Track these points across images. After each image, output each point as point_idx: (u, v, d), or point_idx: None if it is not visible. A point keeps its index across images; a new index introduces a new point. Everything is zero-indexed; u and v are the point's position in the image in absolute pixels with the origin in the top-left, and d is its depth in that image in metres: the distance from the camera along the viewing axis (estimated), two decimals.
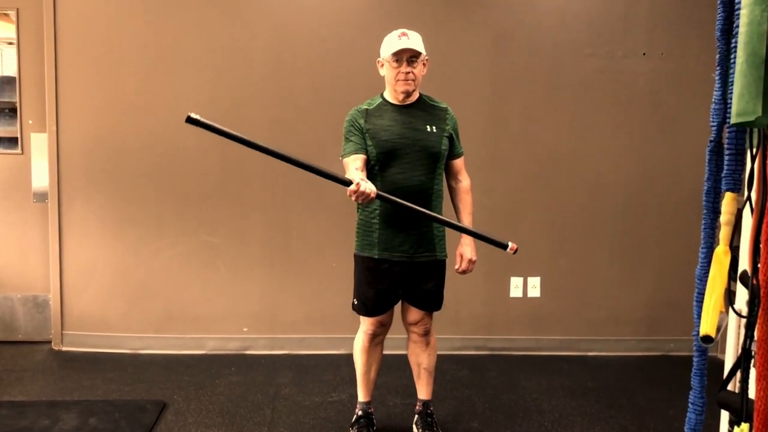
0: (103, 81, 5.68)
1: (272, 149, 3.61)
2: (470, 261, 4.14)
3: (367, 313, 4.15)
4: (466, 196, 4.21)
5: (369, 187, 3.58)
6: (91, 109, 5.70)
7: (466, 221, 4.16)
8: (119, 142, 5.72)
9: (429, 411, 4.38)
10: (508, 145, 5.89)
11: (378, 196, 3.65)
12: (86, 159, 5.73)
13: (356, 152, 3.94)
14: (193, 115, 3.36)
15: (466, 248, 4.13)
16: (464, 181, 4.21)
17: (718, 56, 2.06)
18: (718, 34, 2.03)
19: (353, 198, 3.60)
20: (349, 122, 4.04)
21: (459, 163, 4.19)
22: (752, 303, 1.77)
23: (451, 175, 4.21)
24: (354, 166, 3.87)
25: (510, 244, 3.95)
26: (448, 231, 4.15)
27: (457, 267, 4.15)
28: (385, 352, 4.38)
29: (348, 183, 3.60)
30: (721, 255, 1.95)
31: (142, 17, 5.65)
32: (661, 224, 5.99)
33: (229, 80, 5.71)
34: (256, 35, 5.70)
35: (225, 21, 5.69)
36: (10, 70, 5.82)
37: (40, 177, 5.83)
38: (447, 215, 4.10)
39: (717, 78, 2.06)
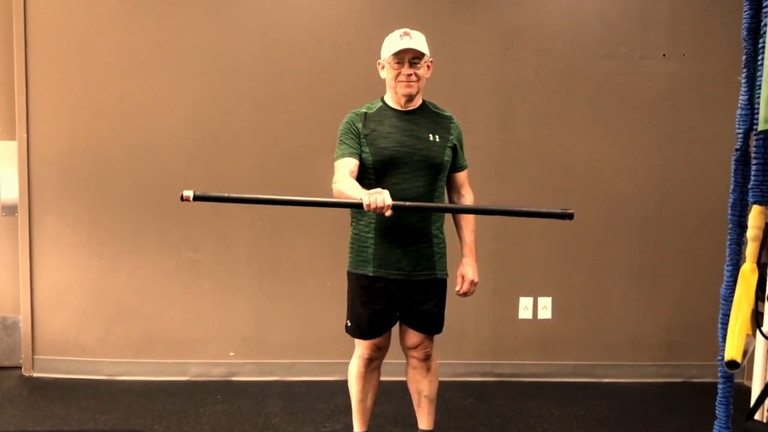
0: (78, 85, 5.67)
1: (283, 199, 3.70)
2: (472, 282, 4.10)
3: (362, 336, 4.11)
4: None
5: (380, 198, 3.48)
6: (64, 116, 5.69)
7: (468, 239, 4.13)
8: (95, 151, 5.70)
9: None
10: (516, 154, 5.88)
11: (394, 207, 3.53)
12: (59, 169, 5.71)
13: (349, 156, 3.90)
14: (187, 193, 3.54)
15: (468, 268, 4.10)
16: (467, 196, 4.19)
17: (744, 57, 2.05)
18: (745, 33, 2.02)
19: (366, 203, 3.49)
20: (345, 125, 4.00)
21: (462, 176, 4.17)
22: None
23: (454, 189, 4.19)
24: (344, 171, 3.84)
25: (568, 211, 3.64)
26: (449, 248, 4.14)
27: (457, 289, 4.12)
28: (383, 378, 4.35)
29: (359, 204, 3.54)
30: (747, 273, 1.94)
31: (120, 17, 5.64)
32: (683, 239, 5.97)
33: (215, 84, 5.71)
34: (244, 35, 5.69)
35: (210, 20, 5.68)
36: None
37: (9, 188, 5.81)
38: (448, 232, 4.09)
39: (743, 81, 2.05)
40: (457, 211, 3.99)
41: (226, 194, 3.75)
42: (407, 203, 3.67)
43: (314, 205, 3.64)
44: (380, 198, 3.46)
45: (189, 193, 3.52)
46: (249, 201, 3.88)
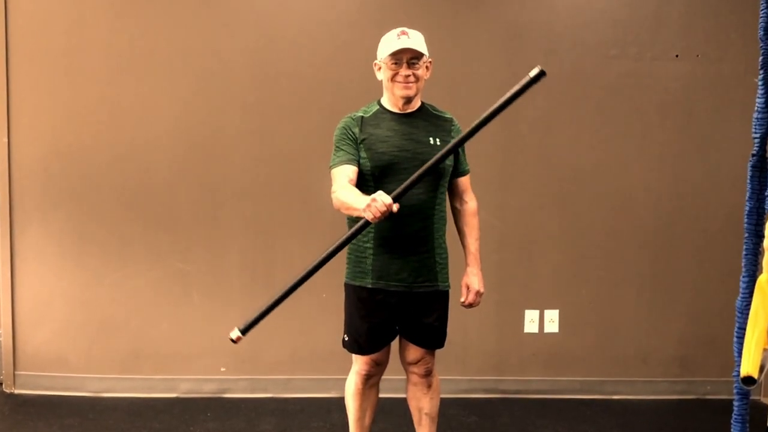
0: (62, 87, 5.67)
1: (306, 274, 3.75)
2: (477, 293, 4.10)
3: (360, 351, 4.11)
4: (472, 219, 4.19)
5: (379, 203, 3.47)
6: (48, 120, 5.68)
7: (473, 248, 4.13)
8: (80, 156, 5.69)
9: None
10: (522, 160, 5.88)
11: (395, 199, 3.54)
12: (43, 175, 5.70)
13: (347, 162, 3.89)
14: (235, 335, 3.76)
15: (473, 278, 4.11)
16: (470, 202, 4.19)
17: (761, 58, 2.05)
18: (762, 32, 2.01)
19: (366, 205, 3.50)
20: (341, 130, 4.00)
21: (464, 181, 4.18)
22: None
23: (456, 195, 4.19)
24: (343, 179, 3.83)
25: (536, 69, 3.61)
26: (452, 259, 4.13)
27: (462, 300, 4.12)
28: (382, 395, 4.35)
29: (366, 223, 3.57)
30: (764, 284, 1.93)
31: (106, 16, 5.64)
32: (697, 250, 5.97)
33: (205, 87, 5.70)
34: (235, 36, 5.69)
35: (201, 20, 5.68)
36: None
37: None
38: (450, 240, 4.09)
39: (760, 83, 2.05)
40: (458, 143, 3.83)
41: (262, 311, 3.77)
42: (405, 185, 3.61)
43: (333, 255, 3.63)
44: (379, 202, 3.46)
45: (236, 334, 3.75)
46: (283, 299, 3.85)
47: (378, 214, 3.45)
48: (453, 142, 3.70)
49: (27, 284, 5.79)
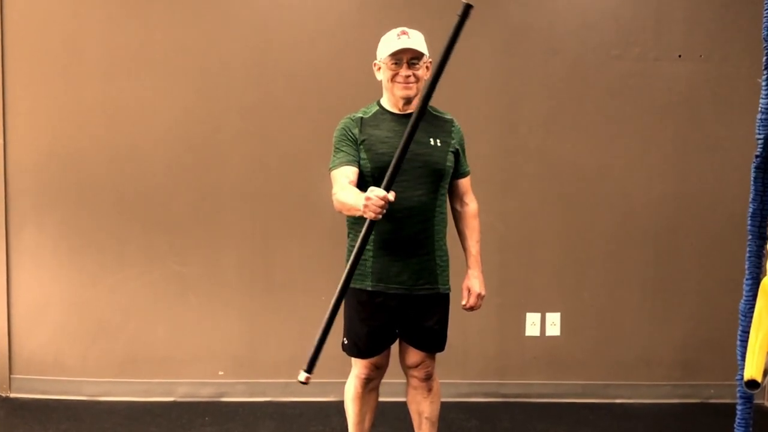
0: (58, 88, 5.67)
1: (341, 290, 3.65)
2: (479, 296, 4.11)
3: (360, 355, 4.11)
4: (473, 221, 4.19)
5: (374, 199, 3.44)
6: (44, 121, 5.68)
7: (473, 250, 4.14)
8: (77, 158, 5.70)
9: None
10: (523, 162, 5.87)
11: (387, 188, 3.51)
12: (38, 177, 5.70)
13: (347, 164, 3.89)
14: (303, 378, 3.74)
15: (474, 281, 4.11)
16: (471, 204, 4.20)
17: (765, 58, 2.05)
18: (766, 33, 2.01)
19: (365, 204, 3.47)
20: (340, 131, 4.00)
21: (465, 183, 4.18)
22: None
23: (456, 196, 4.19)
24: (344, 180, 3.82)
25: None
26: (453, 262, 4.13)
27: (463, 303, 4.12)
28: (381, 399, 4.35)
29: (372, 222, 3.52)
30: None
31: (102, 14, 5.64)
32: (700, 251, 5.96)
33: (204, 87, 5.70)
34: (234, 35, 5.69)
35: (199, 20, 5.68)
36: None
37: None
38: (452, 242, 4.09)
39: (764, 84, 2.05)
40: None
41: (317, 344, 3.80)
42: (391, 170, 3.56)
43: (356, 264, 3.62)
44: (374, 198, 3.44)
45: (305, 376, 3.77)
46: (330, 324, 3.79)
47: (377, 210, 3.43)
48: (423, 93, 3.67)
49: (23, 287, 5.79)
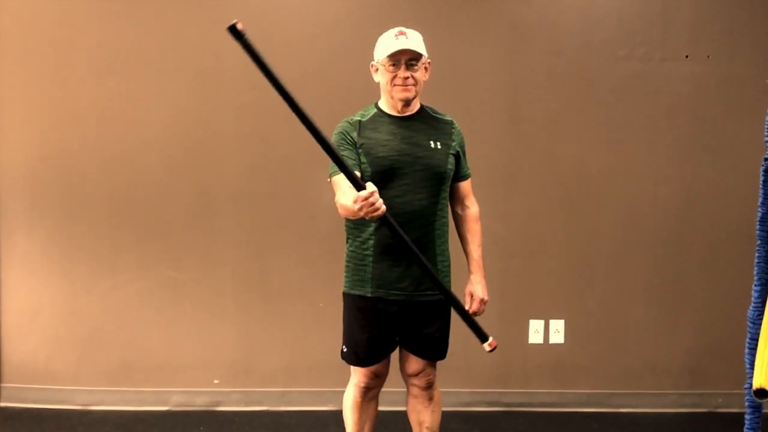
0: (49, 88, 5.67)
1: (303, 113, 3.70)
2: (482, 301, 4.10)
3: (359, 363, 4.10)
4: (474, 224, 4.19)
5: (364, 202, 3.41)
6: (35, 123, 5.68)
7: (475, 254, 4.13)
8: (69, 162, 5.69)
9: None
10: (526, 164, 5.87)
11: (384, 217, 3.51)
12: (29, 181, 5.71)
13: None
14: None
15: (477, 286, 4.11)
16: (472, 208, 4.20)
17: None
18: None
19: (358, 208, 3.43)
20: (339, 135, 3.99)
21: (466, 186, 4.18)
22: None
23: (457, 200, 4.19)
24: (345, 185, 3.74)
25: (489, 339, 3.94)
26: (455, 266, 4.13)
27: (467, 309, 4.11)
28: (381, 408, 4.34)
29: (361, 187, 3.44)
30: None
31: (95, 15, 5.64)
32: (707, 257, 5.96)
33: (199, 88, 5.70)
34: (229, 35, 5.67)
35: (194, 19, 5.67)
36: None
37: None
38: (453, 246, 4.09)
39: None
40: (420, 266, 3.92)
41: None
42: (396, 227, 3.60)
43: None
44: (361, 202, 3.40)
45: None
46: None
47: (373, 207, 3.40)
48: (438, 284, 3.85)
49: (13, 293, 5.78)
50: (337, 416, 4.55)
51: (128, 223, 5.74)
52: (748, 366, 2.01)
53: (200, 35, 5.66)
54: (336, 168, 3.85)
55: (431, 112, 4.07)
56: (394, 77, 3.86)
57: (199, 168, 5.72)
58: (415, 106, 4.00)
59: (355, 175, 3.49)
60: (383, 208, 3.44)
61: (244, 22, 5.65)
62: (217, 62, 5.68)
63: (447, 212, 4.10)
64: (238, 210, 5.77)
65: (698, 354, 6.02)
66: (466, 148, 4.15)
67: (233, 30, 3.35)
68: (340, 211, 3.81)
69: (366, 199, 3.39)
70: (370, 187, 3.42)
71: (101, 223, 5.73)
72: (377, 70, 3.95)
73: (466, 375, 5.89)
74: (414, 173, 3.87)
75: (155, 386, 5.85)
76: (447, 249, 4.10)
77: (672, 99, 5.84)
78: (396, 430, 5.13)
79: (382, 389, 4.26)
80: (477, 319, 4.17)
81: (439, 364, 4.20)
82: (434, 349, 4.12)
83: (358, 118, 4.01)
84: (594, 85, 5.83)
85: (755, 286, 2.07)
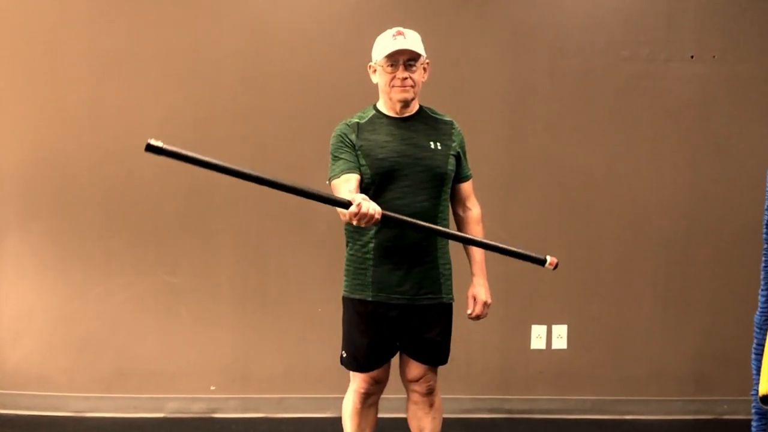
0: (43, 90, 5.66)
1: (254, 174, 3.58)
2: (485, 304, 4.09)
3: (359, 368, 4.09)
4: (475, 226, 4.18)
5: (372, 207, 3.43)
6: (28, 124, 5.68)
7: (478, 257, 4.13)
8: (62, 164, 5.69)
9: None
10: (528, 166, 5.87)
11: (384, 217, 3.50)
12: (22, 184, 5.70)
13: (348, 171, 3.85)
14: (154, 142, 3.36)
15: (479, 289, 4.10)
16: (474, 209, 4.20)
17: None
18: None
19: (355, 222, 3.46)
20: (337, 138, 3.98)
21: (467, 187, 4.17)
22: None
23: (458, 201, 4.19)
24: (347, 188, 3.75)
25: (549, 258, 3.85)
26: (456, 269, 4.12)
27: (469, 312, 4.11)
28: (381, 415, 4.34)
29: (346, 205, 3.44)
30: None
31: (87, 14, 5.63)
32: (713, 261, 5.96)
33: (194, 89, 5.70)
34: (226, 35, 5.68)
35: (190, 19, 5.68)
36: None
37: None
38: (453, 249, 4.08)
39: None
40: (442, 235, 3.92)
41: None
42: (398, 216, 3.59)
43: (300, 193, 3.52)
44: (351, 215, 3.42)
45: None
46: (226, 170, 3.70)
47: (368, 216, 3.40)
48: (467, 239, 3.97)
49: (5, 298, 5.77)
50: (336, 423, 4.54)
51: (123, 226, 5.73)
52: (754, 372, 2.01)
53: (196, 37, 5.66)
54: (335, 172, 3.88)
55: (431, 113, 4.07)
56: (393, 78, 3.85)
57: (194, 170, 5.69)
58: (414, 107, 4.00)
59: (338, 199, 3.52)
60: (377, 214, 3.44)
61: (241, 22, 5.68)
62: (212, 64, 5.67)
63: (448, 214, 4.10)
64: (234, 214, 5.76)
65: (703, 360, 6.02)
66: (467, 149, 4.15)
67: (151, 148, 3.32)
68: (341, 216, 3.80)
69: (356, 215, 3.41)
70: (355, 200, 3.43)
71: (95, 227, 5.73)
72: (375, 71, 3.95)
73: (467, 381, 5.89)
74: (414, 175, 3.87)
75: (151, 393, 5.84)
76: (448, 252, 4.09)
77: (677, 100, 5.84)
78: None
79: (382, 396, 4.25)
80: (480, 323, 4.18)
81: (440, 370, 4.19)
82: (435, 354, 4.11)
83: (357, 120, 4.00)
84: (597, 86, 5.82)
85: (762, 290, 2.07)
